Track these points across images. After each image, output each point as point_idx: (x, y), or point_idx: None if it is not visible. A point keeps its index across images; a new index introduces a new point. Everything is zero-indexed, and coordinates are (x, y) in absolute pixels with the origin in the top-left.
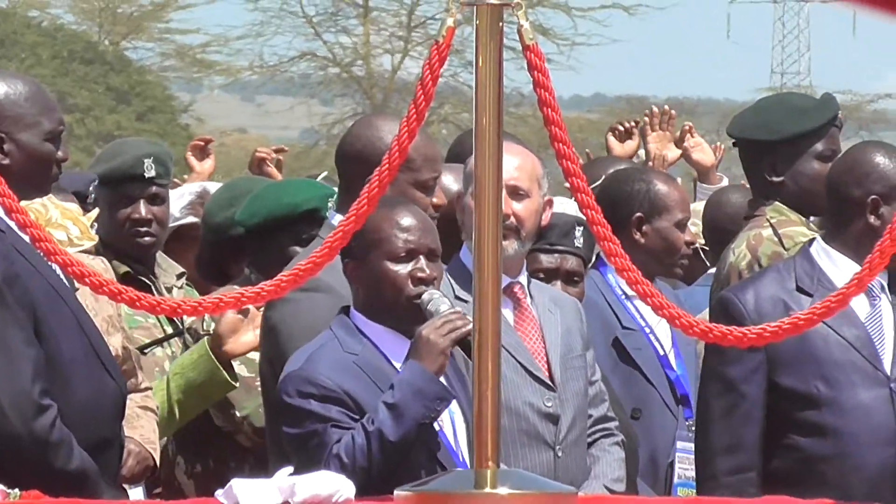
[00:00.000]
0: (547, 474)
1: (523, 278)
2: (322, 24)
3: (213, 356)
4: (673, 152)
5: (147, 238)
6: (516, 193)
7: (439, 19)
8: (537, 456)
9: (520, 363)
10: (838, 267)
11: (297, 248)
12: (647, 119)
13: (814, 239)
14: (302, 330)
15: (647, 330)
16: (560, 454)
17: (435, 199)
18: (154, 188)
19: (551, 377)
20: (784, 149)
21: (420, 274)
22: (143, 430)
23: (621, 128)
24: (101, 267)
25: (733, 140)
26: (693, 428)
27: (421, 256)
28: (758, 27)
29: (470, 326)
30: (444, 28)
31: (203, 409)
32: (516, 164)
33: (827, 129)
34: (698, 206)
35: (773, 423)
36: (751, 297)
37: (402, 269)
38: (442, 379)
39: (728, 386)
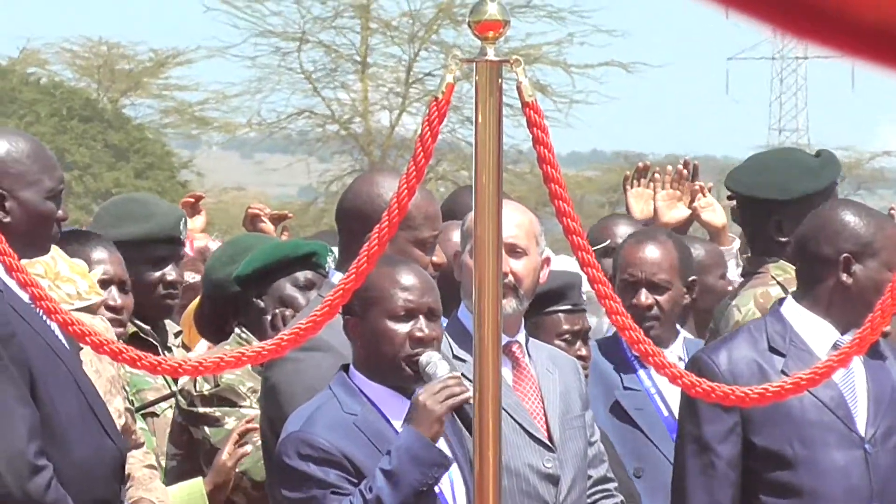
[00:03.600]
0: None
1: (521, 337)
2: (320, 80)
3: (205, 497)
4: (682, 212)
5: (175, 300)
6: (514, 251)
7: (437, 76)
8: None
9: (519, 424)
10: (809, 326)
11: (295, 292)
12: (657, 177)
13: (783, 299)
14: (302, 389)
15: (653, 390)
16: None
17: (434, 258)
18: (181, 249)
19: (550, 438)
20: (792, 208)
21: (419, 334)
22: (158, 493)
23: (636, 172)
24: (102, 326)
25: (730, 195)
26: None
27: (421, 316)
28: (756, 84)
29: (468, 394)
30: (443, 84)
31: None
32: (514, 221)
33: (832, 189)
34: None
35: (748, 483)
36: (724, 358)
37: (402, 328)
38: (441, 439)
39: (704, 446)
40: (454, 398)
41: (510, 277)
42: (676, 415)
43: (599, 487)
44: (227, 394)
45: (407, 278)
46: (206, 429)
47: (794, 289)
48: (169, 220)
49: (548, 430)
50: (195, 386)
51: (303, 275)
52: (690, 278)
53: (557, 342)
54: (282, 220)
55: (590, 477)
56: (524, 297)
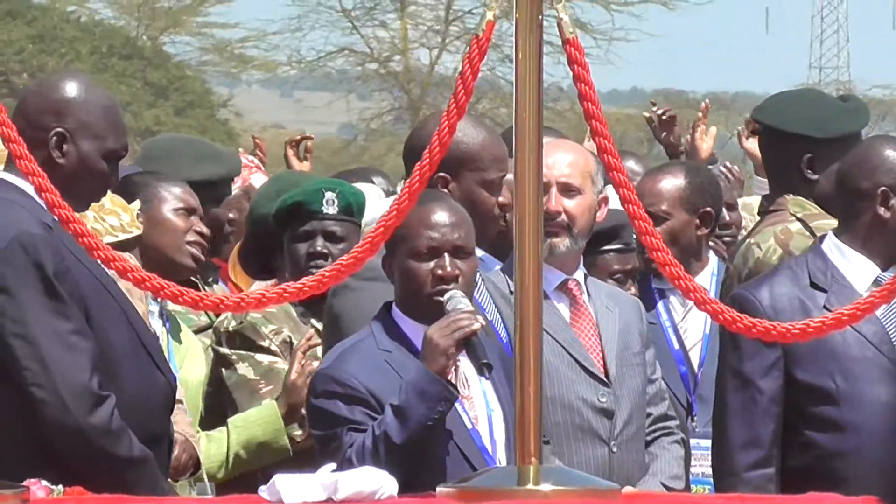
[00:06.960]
0: (601, 469)
1: (579, 275)
2: (359, 18)
3: (281, 419)
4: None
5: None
6: (568, 190)
7: (476, 14)
8: (591, 451)
9: (574, 358)
10: (850, 262)
11: (299, 245)
12: (700, 115)
13: (824, 236)
14: (362, 318)
15: (668, 324)
16: (615, 450)
17: (501, 199)
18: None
19: (606, 373)
20: (826, 146)
21: (439, 271)
22: (183, 424)
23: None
24: (133, 262)
25: (760, 127)
26: (696, 425)
27: (445, 254)
28: (796, 21)
29: (476, 325)
30: (483, 21)
31: (254, 468)
32: (568, 160)
33: (860, 135)
34: (753, 201)
35: (790, 418)
36: (766, 294)
37: (425, 266)
38: (479, 380)
39: (745, 381)
40: (461, 331)
41: (563, 216)
42: (687, 347)
43: (659, 425)
44: (249, 332)
45: (435, 216)
46: (223, 370)
47: (817, 223)
48: (237, 161)
49: (604, 365)
50: (224, 323)
51: (301, 230)
52: (704, 209)
53: (609, 281)
54: (301, 143)
55: (649, 414)
56: (578, 236)
